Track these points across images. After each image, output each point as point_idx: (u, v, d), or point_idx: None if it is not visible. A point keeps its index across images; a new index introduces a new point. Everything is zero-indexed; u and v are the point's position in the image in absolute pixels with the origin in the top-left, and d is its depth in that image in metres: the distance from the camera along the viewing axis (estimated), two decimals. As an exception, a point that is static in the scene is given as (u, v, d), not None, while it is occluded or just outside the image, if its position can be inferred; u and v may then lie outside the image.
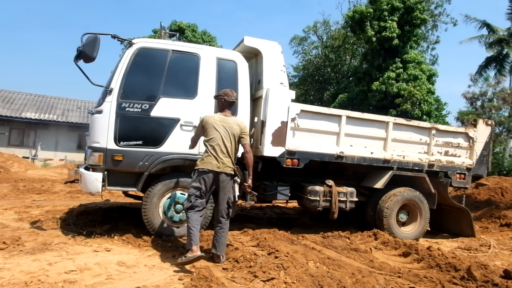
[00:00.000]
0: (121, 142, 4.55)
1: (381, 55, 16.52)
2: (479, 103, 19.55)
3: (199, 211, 3.81)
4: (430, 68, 16.87)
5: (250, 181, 4.01)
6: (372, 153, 5.71)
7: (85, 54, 4.21)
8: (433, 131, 6.07)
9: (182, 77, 4.93)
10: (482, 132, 6.41)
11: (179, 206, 4.69)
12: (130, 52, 4.69)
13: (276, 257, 3.91)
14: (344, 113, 5.57)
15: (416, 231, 5.99)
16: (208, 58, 4.99)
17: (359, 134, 5.66)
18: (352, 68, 21.01)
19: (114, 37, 4.66)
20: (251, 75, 5.34)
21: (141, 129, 4.65)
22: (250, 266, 3.59)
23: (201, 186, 3.77)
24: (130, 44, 4.74)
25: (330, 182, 5.54)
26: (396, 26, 15.58)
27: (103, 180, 4.52)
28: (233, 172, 3.93)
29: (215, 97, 4.25)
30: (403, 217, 6.00)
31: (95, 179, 4.48)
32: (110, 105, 4.52)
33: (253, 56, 5.78)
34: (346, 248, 4.83)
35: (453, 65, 54.83)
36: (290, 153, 5.20)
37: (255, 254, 3.96)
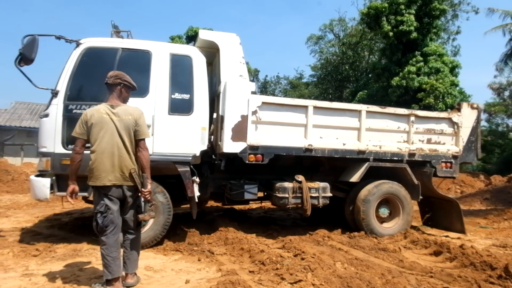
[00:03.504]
0: (70, 146, 4.16)
1: (400, 49, 16.16)
2: (506, 93, 18.72)
3: None
4: (452, 60, 16.33)
5: (149, 186, 3.26)
6: (344, 144, 5.42)
7: (24, 55, 4.05)
8: (412, 118, 5.73)
9: (133, 75, 4.60)
10: (467, 117, 6.00)
11: None
12: (77, 53, 4.51)
13: (302, 259, 3.86)
14: (310, 103, 5.33)
15: (398, 227, 5.63)
16: (160, 54, 4.79)
17: (329, 125, 5.39)
18: (371, 65, 20.64)
19: (58, 38, 4.46)
20: (214, 71, 5.02)
21: None
22: (277, 269, 3.56)
23: None
24: (78, 44, 4.58)
25: (300, 178, 5.28)
26: (413, 19, 15.19)
27: (52, 186, 4.30)
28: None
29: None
30: (384, 212, 5.68)
31: (42, 185, 4.27)
32: (57, 108, 4.35)
33: (216, 51, 5.44)
34: (374, 248, 4.72)
35: (477, 55, 52.90)
36: (253, 148, 4.96)
37: (281, 256, 3.93)
